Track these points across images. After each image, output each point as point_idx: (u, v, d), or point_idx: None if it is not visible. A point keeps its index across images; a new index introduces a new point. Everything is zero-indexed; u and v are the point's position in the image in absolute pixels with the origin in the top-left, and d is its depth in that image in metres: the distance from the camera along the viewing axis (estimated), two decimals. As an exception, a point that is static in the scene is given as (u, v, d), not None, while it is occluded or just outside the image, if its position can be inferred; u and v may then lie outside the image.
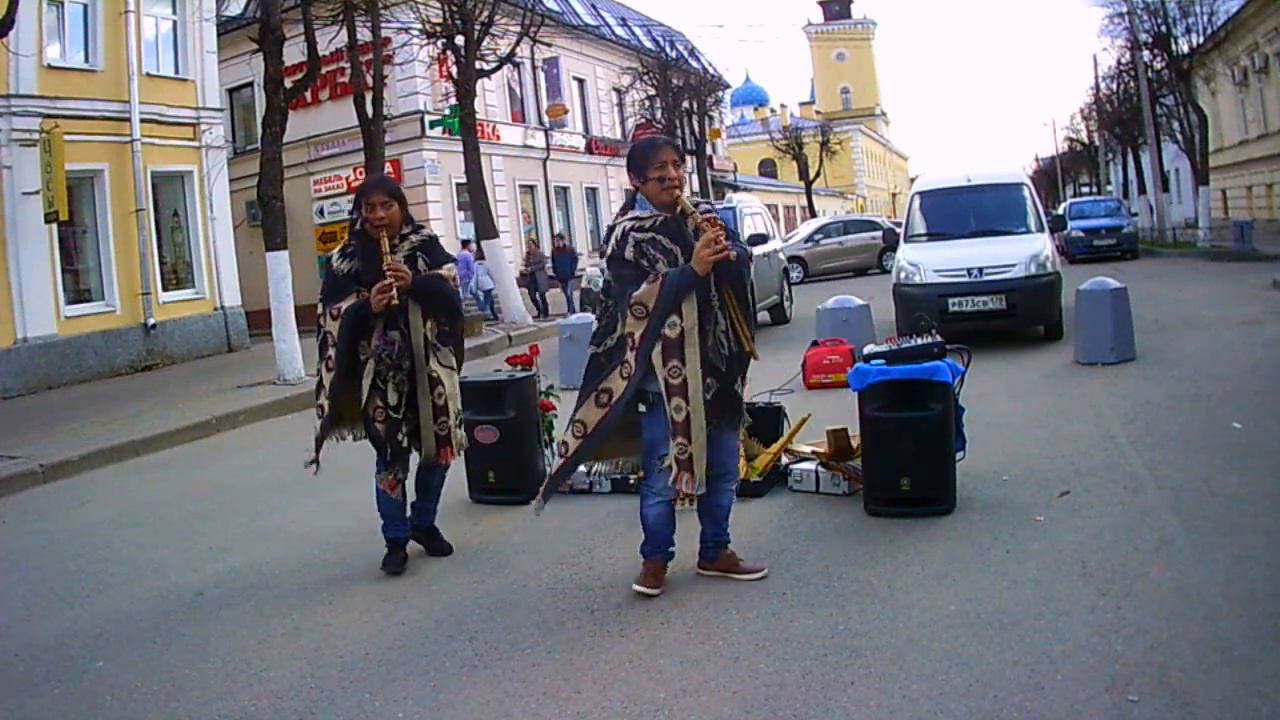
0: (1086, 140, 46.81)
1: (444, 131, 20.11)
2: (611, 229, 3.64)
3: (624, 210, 3.69)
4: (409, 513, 4.36)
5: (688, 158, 25.98)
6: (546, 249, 22.23)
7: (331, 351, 4.08)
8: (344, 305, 4.04)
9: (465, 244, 21.15)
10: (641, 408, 3.56)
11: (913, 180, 24.69)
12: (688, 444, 3.47)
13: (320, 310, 4.15)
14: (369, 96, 14.86)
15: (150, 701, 3.21)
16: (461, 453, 4.39)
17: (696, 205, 3.61)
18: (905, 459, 4.29)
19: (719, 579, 3.79)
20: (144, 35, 14.79)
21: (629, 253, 3.52)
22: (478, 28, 15.91)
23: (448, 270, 4.19)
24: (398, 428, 4.10)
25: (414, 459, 4.28)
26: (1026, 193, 10.33)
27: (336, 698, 3.11)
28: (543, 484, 3.86)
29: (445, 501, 4.62)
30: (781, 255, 14.27)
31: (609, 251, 3.59)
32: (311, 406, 4.52)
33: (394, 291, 3.93)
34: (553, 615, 3.62)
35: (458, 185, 21.05)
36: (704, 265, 3.42)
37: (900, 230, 10.90)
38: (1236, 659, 2.76)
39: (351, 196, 17.27)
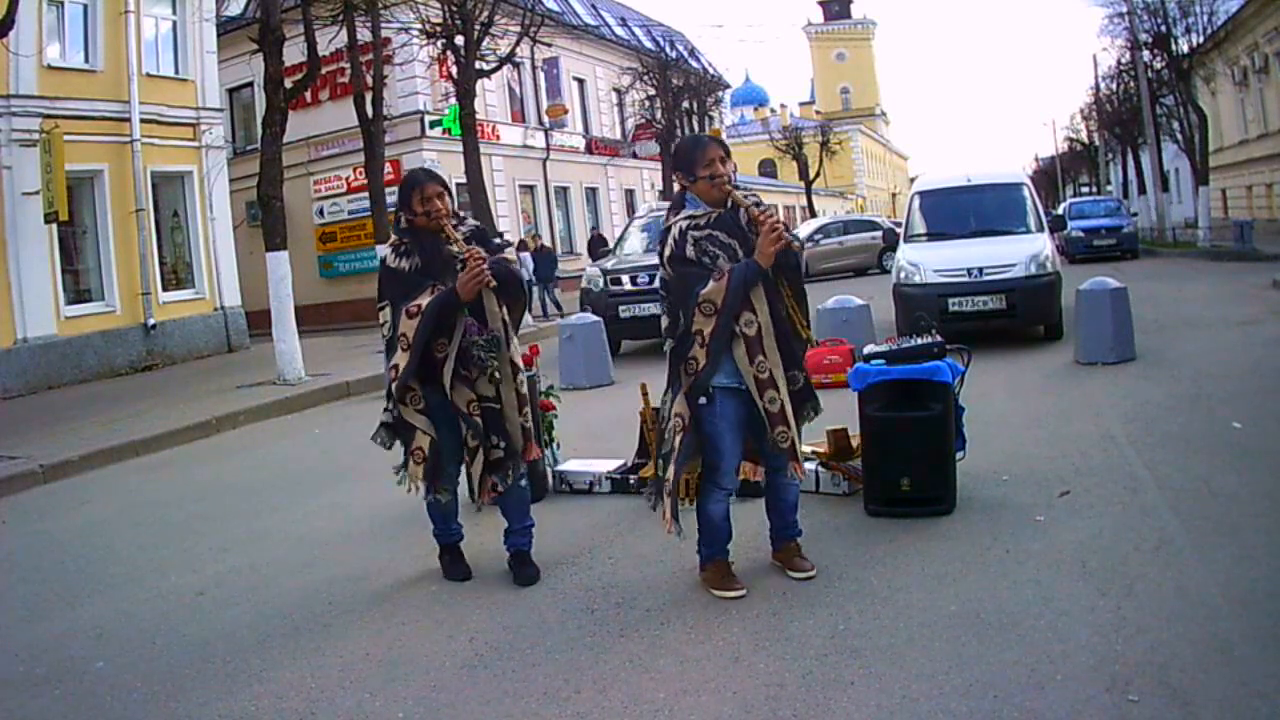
0: (1086, 140, 46.80)
1: (444, 132, 20.11)
2: (666, 230, 3.63)
3: (674, 210, 3.69)
4: (459, 518, 4.20)
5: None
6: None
7: (400, 358, 3.77)
8: (422, 301, 3.74)
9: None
10: (702, 400, 3.54)
11: (913, 180, 24.68)
12: (788, 430, 3.52)
13: (385, 313, 3.86)
14: (369, 96, 14.86)
15: (150, 701, 3.21)
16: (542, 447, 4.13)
17: (744, 197, 3.62)
18: (905, 459, 4.29)
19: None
20: (144, 35, 14.80)
21: (690, 251, 3.53)
22: (478, 28, 15.91)
23: (510, 254, 4.03)
24: (500, 418, 3.86)
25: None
26: (1026, 193, 10.32)
27: (336, 698, 3.11)
28: (663, 506, 3.63)
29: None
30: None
31: (668, 252, 3.58)
32: (312, 407, 4.47)
33: (487, 274, 3.70)
34: (553, 615, 3.62)
35: (458, 185, 21.07)
36: (767, 257, 3.43)
37: (900, 230, 10.89)
38: (1236, 659, 2.76)
39: (352, 196, 17.42)
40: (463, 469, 4.05)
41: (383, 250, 3.98)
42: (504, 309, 3.89)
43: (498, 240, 4.13)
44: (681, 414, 3.59)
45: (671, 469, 3.59)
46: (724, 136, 39.54)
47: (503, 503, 4.00)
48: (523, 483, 4.02)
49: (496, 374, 3.82)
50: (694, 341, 3.50)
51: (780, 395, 3.50)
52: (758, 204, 3.58)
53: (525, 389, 3.98)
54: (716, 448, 3.57)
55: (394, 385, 3.84)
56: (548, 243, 22.46)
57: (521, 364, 4.01)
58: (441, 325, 3.77)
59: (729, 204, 3.58)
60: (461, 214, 4.10)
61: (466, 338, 3.78)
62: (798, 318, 3.65)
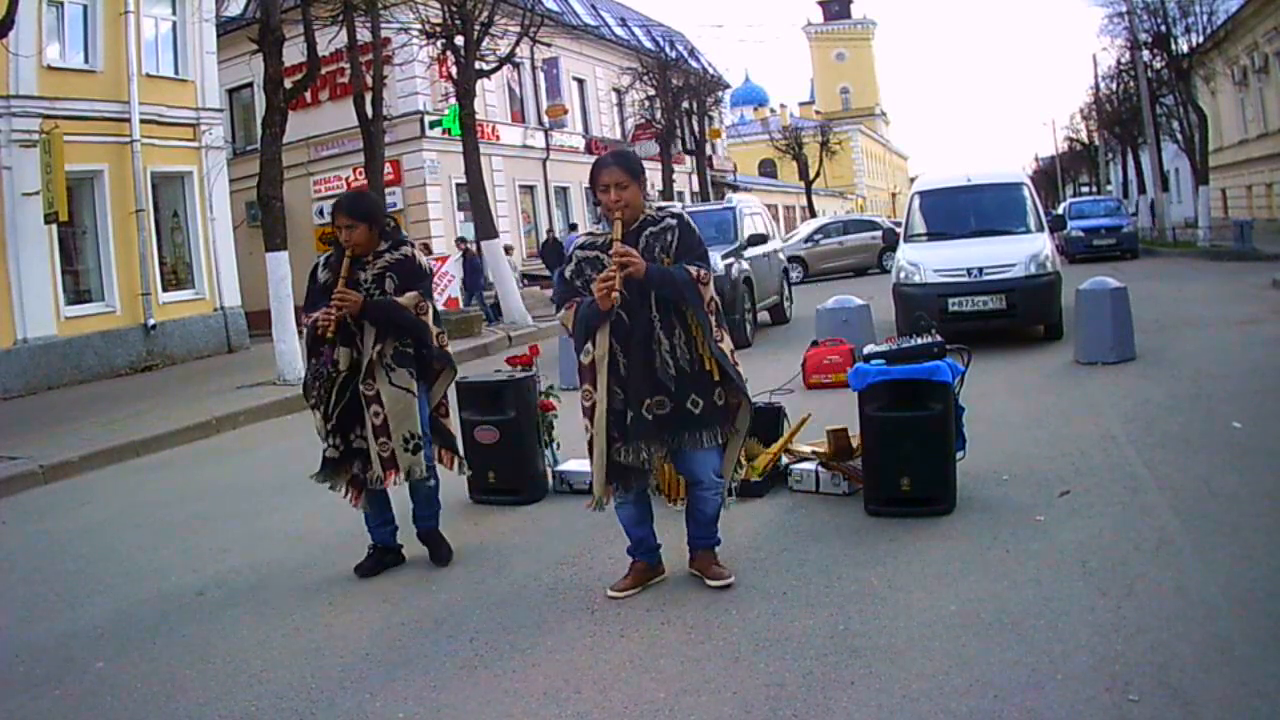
0: (1086, 140, 46.80)
1: (444, 132, 20.10)
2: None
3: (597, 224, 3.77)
4: (393, 520, 4.40)
5: (671, 160, 26.05)
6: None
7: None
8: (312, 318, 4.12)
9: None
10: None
11: (913, 180, 24.68)
12: (591, 462, 3.63)
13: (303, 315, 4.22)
14: (369, 97, 14.86)
15: (150, 702, 3.21)
16: (416, 476, 4.14)
17: (646, 217, 3.57)
18: (905, 459, 4.29)
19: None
20: (144, 36, 14.80)
21: (569, 271, 3.65)
22: (477, 28, 15.90)
23: (407, 298, 4.06)
24: (328, 438, 4.18)
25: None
26: (1026, 192, 10.32)
27: (337, 698, 3.11)
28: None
29: (447, 502, 4.62)
30: (781, 255, 14.27)
31: (563, 266, 3.73)
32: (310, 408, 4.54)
33: (332, 321, 3.94)
34: (553, 615, 3.62)
35: (458, 185, 21.06)
36: (600, 302, 3.43)
37: (900, 230, 10.90)
38: (1236, 659, 2.76)
39: (351, 197, 16.50)
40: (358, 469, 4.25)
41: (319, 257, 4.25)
42: (380, 345, 4.03)
43: (421, 279, 4.17)
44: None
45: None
46: (724, 136, 39.62)
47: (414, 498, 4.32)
48: (430, 483, 4.25)
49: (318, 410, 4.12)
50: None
51: (593, 428, 3.56)
52: (662, 219, 3.57)
53: (384, 420, 4.05)
54: None
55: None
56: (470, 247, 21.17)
57: (390, 395, 4.05)
58: (315, 346, 4.11)
59: (633, 227, 3.55)
60: (400, 240, 4.18)
61: (317, 363, 4.11)
62: (702, 348, 3.53)
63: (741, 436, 3.75)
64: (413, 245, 4.29)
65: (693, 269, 3.53)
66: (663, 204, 3.78)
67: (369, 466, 4.15)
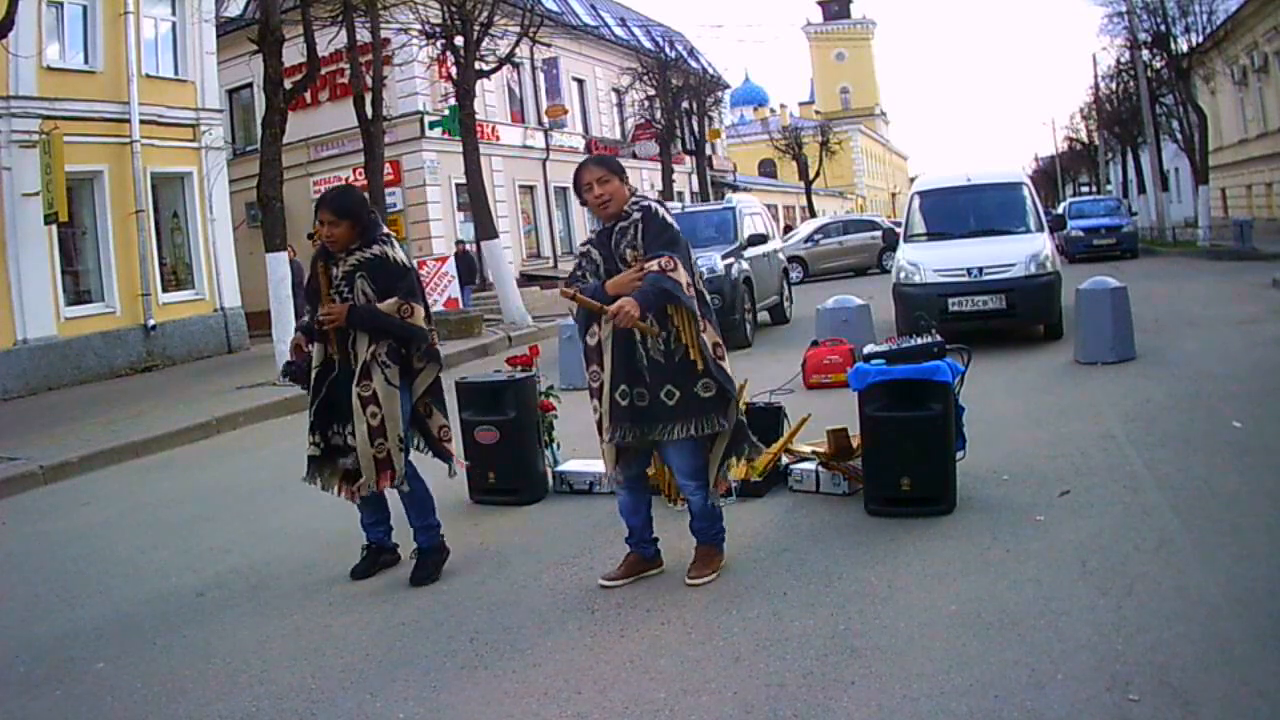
0: (1086, 140, 46.81)
1: (443, 132, 20.10)
2: None
3: None
4: (385, 519, 4.34)
5: (659, 159, 26.15)
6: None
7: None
8: (305, 319, 4.15)
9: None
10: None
11: (913, 180, 24.68)
12: (602, 441, 3.68)
13: None
14: (368, 97, 14.88)
15: (151, 703, 3.21)
16: (398, 485, 3.99)
17: (622, 213, 3.65)
18: (905, 459, 4.29)
19: (720, 578, 3.79)
20: (143, 36, 14.79)
21: (575, 266, 3.82)
22: (477, 28, 15.90)
23: (387, 305, 3.85)
24: (309, 434, 4.10)
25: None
26: (1026, 192, 10.33)
27: (337, 698, 3.11)
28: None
29: (446, 502, 4.62)
30: (781, 255, 14.27)
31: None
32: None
33: (330, 339, 3.92)
34: (553, 615, 3.62)
35: (457, 186, 21.05)
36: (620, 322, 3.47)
37: (900, 230, 10.91)
38: (1237, 658, 2.76)
39: (351, 197, 16.52)
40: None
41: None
42: (374, 346, 3.87)
43: (398, 279, 3.92)
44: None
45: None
46: (723, 136, 39.62)
47: (403, 502, 4.14)
48: (404, 487, 4.02)
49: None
50: None
51: (601, 408, 3.63)
52: (644, 209, 3.66)
53: (381, 420, 3.88)
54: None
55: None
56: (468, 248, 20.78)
57: (386, 395, 3.88)
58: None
59: (615, 222, 3.68)
60: (376, 237, 3.93)
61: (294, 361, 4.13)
62: (691, 345, 3.54)
63: (728, 434, 3.67)
64: (387, 242, 3.98)
65: (654, 264, 3.51)
66: (637, 197, 3.72)
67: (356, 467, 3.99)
